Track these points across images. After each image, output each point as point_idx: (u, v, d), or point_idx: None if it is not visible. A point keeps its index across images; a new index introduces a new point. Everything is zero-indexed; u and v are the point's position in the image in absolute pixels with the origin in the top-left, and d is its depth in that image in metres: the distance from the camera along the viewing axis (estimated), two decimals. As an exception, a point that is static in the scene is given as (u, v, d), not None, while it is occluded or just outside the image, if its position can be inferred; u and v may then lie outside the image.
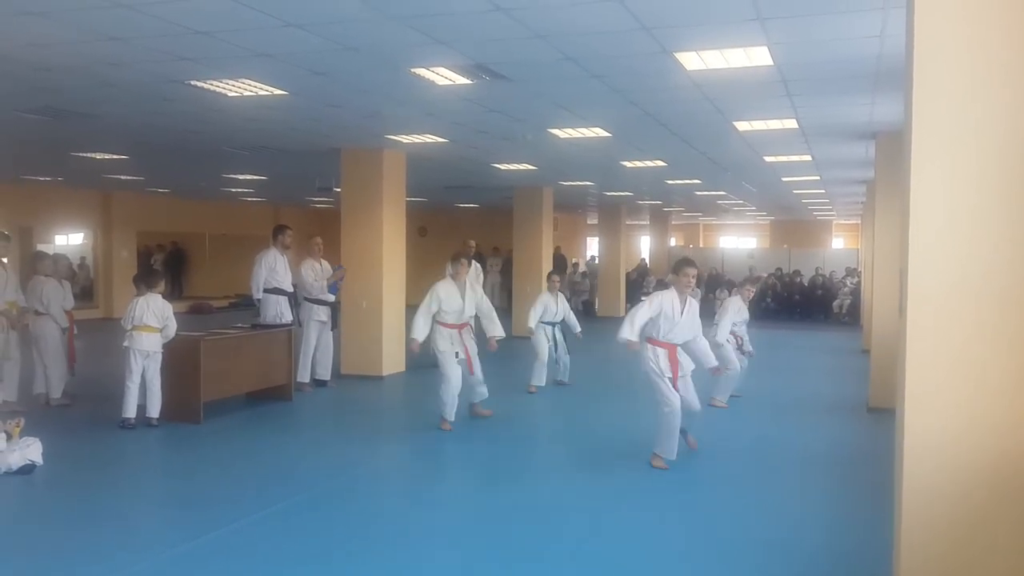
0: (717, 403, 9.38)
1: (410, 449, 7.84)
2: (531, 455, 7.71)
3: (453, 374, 8.20)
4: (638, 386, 7.82)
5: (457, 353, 8.23)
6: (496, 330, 8.52)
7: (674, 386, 6.71)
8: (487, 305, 8.64)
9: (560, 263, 23.60)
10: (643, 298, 7.65)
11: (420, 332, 8.16)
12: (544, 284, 17.96)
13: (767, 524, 5.60)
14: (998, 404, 3.21)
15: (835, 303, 22.60)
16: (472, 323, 8.80)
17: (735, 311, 9.76)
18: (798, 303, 23.13)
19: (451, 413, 8.25)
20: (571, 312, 11.11)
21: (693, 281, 6.72)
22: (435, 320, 8.23)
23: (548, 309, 10.74)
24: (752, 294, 10.22)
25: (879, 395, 9.41)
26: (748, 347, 10.25)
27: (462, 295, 8.31)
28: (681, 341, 6.82)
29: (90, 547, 4.99)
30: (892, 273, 9.10)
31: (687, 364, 6.96)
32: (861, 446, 8.00)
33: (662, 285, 9.42)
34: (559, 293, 11.05)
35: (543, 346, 10.69)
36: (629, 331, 6.65)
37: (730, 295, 10.31)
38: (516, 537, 5.26)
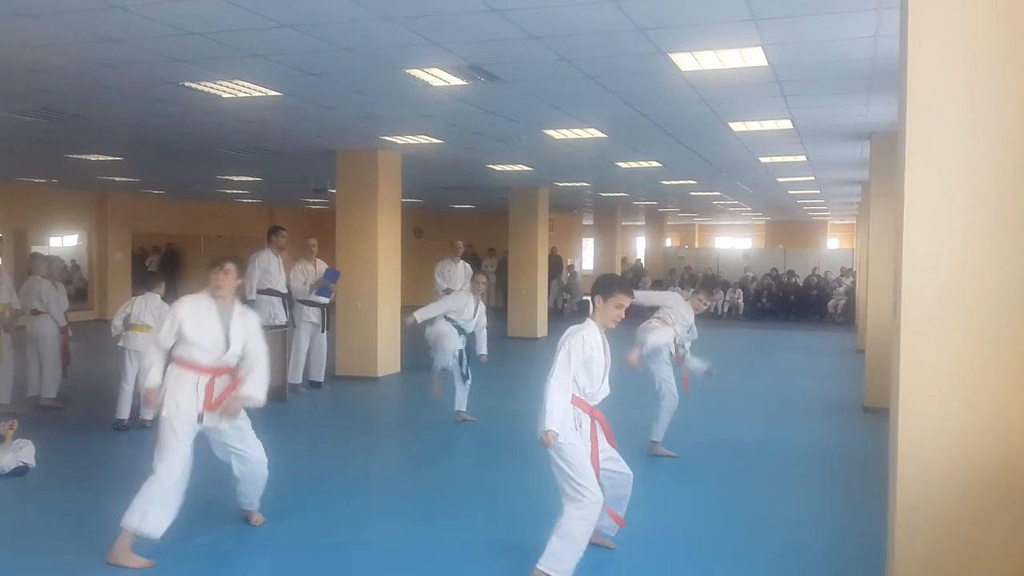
0: (662, 451, 7.21)
1: (402, 451, 7.82)
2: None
3: (173, 464, 4.77)
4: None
5: (201, 417, 4.88)
6: (254, 389, 5.00)
7: (596, 468, 4.50)
8: (258, 345, 5.11)
9: (555, 264, 23.58)
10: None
11: (156, 377, 4.87)
12: (542, 286, 18.18)
13: (760, 524, 5.60)
14: (992, 405, 3.21)
15: (830, 303, 22.65)
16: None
17: (680, 319, 7.25)
18: (793, 303, 23.18)
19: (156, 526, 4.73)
20: (484, 329, 8.78)
21: (622, 315, 4.58)
22: (173, 358, 4.95)
23: (462, 310, 8.50)
24: (704, 306, 7.65)
25: (874, 395, 9.43)
26: (701, 365, 7.61)
27: (224, 322, 4.97)
28: (602, 398, 4.60)
29: (82, 549, 4.96)
30: (887, 273, 9.11)
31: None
32: (855, 446, 8.01)
33: (658, 286, 7.89)
34: (478, 298, 8.69)
35: (446, 337, 8.46)
36: (556, 409, 4.29)
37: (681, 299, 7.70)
38: (509, 544, 5.25)
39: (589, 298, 4.67)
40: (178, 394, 4.84)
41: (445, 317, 8.49)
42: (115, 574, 4.61)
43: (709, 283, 7.72)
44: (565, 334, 4.46)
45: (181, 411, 4.83)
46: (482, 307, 8.74)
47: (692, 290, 7.29)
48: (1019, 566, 3.19)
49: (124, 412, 8.16)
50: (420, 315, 8.35)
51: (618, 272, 23.08)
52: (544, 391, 4.32)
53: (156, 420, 4.91)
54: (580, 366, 4.41)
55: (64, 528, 5.39)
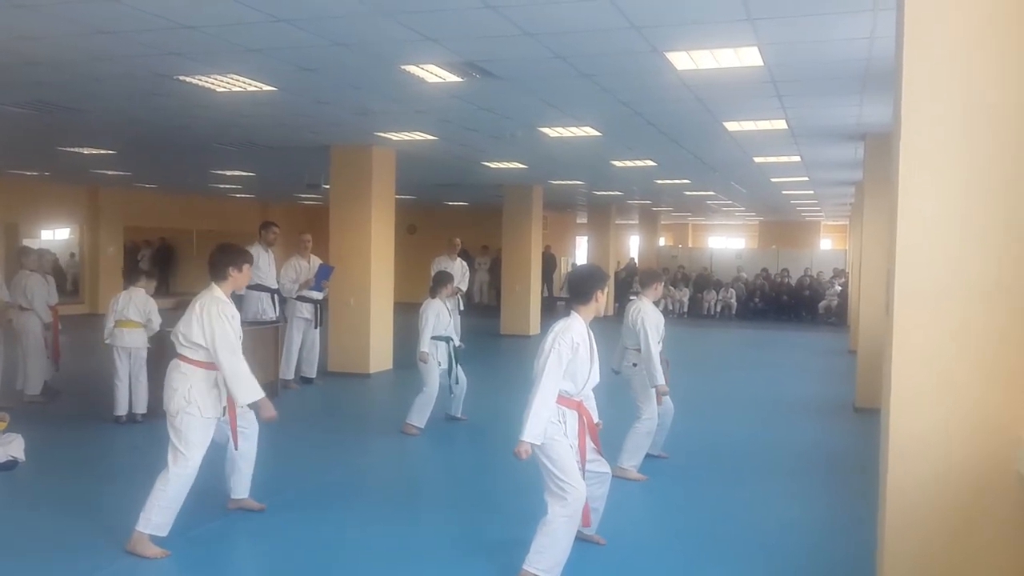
0: (628, 473, 6.40)
1: (394, 447, 7.81)
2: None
3: (196, 459, 4.90)
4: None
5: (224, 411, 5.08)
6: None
7: (582, 464, 4.51)
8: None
9: (549, 262, 23.59)
10: (632, 297, 7.16)
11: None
12: (536, 284, 18.16)
13: (752, 524, 5.61)
14: (983, 406, 3.22)
15: (821, 304, 22.70)
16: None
17: (656, 320, 6.57)
18: (786, 304, 23.23)
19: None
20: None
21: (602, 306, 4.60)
22: (185, 357, 4.95)
23: (440, 320, 8.12)
24: (658, 293, 6.78)
25: (865, 395, 9.45)
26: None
27: None
28: (588, 393, 4.63)
29: (71, 543, 4.96)
30: (879, 274, 9.14)
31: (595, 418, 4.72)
32: (847, 446, 8.03)
33: (653, 277, 6.83)
34: (446, 301, 8.42)
35: (432, 373, 8.05)
36: (540, 420, 4.25)
37: (638, 296, 6.82)
38: (499, 541, 5.24)
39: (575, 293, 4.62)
40: (204, 391, 4.87)
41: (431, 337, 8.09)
42: (102, 566, 4.60)
43: (649, 274, 7.23)
44: (552, 333, 4.42)
45: (210, 408, 4.89)
46: (452, 307, 8.59)
47: (639, 290, 6.74)
48: (1009, 565, 3.20)
49: (121, 408, 8.15)
50: (425, 347, 7.97)
51: (612, 274, 23.08)
52: (531, 396, 4.29)
53: (176, 416, 4.85)
54: (564, 369, 4.36)
55: (52, 522, 5.37)
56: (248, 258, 5.13)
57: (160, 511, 4.74)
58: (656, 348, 6.44)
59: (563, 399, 4.42)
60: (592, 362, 4.51)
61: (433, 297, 8.23)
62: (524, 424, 4.22)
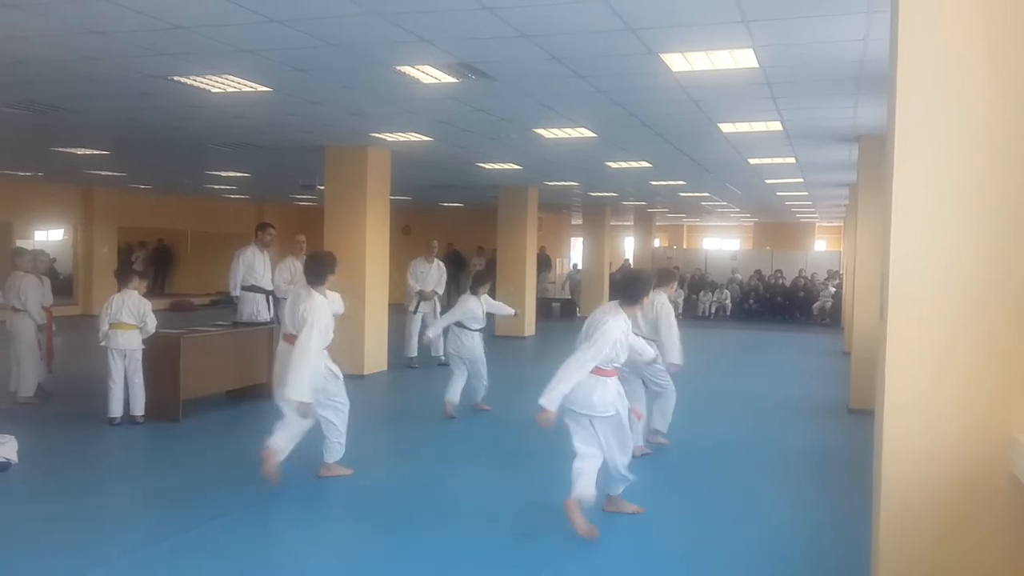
0: (658, 439, 7.52)
1: (388, 448, 7.80)
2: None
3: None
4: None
5: None
6: None
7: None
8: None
9: (544, 263, 23.57)
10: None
11: None
12: (531, 286, 18.14)
13: (746, 525, 5.61)
14: (977, 407, 3.22)
15: (815, 305, 22.73)
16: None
17: (671, 309, 7.54)
18: (780, 305, 23.26)
19: None
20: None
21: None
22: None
23: (476, 316, 8.88)
24: (673, 291, 7.77)
25: (859, 397, 9.46)
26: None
27: None
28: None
29: (66, 545, 4.94)
30: (874, 276, 9.15)
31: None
32: (841, 447, 8.04)
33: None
34: (427, 303, 9.25)
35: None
36: (564, 391, 4.91)
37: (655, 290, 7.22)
38: (498, 542, 5.24)
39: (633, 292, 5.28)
40: None
41: (469, 328, 8.83)
42: (95, 566, 4.59)
43: (665, 273, 7.93)
44: (604, 325, 5.02)
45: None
46: (430, 310, 9.43)
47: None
48: (1001, 565, 3.21)
49: (116, 410, 8.11)
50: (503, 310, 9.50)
51: (607, 275, 23.09)
52: (566, 368, 4.89)
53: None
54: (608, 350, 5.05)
55: (45, 524, 5.35)
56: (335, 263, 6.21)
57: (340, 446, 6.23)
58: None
59: (605, 371, 5.09)
60: (626, 347, 5.22)
61: (473, 294, 8.98)
62: (552, 393, 4.83)
